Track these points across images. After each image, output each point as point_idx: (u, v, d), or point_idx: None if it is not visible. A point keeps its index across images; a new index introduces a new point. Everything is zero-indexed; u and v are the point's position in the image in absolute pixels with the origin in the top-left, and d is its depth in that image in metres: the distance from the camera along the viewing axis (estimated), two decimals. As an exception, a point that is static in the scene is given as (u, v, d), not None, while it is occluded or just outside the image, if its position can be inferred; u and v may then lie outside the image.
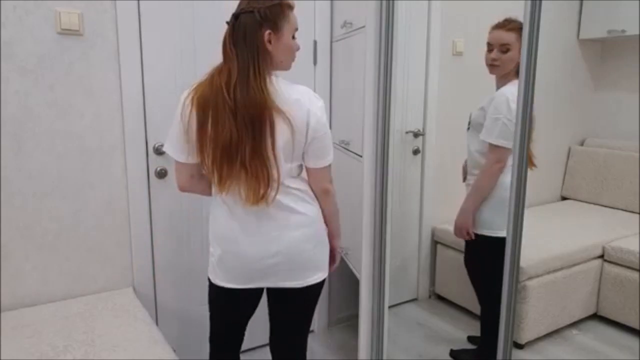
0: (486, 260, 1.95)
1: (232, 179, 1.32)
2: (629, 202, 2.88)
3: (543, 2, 1.28)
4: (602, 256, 2.53)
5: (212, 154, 1.30)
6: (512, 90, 1.76)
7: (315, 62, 2.30)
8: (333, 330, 2.58)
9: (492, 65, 1.91)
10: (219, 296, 1.51)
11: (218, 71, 1.31)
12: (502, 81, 1.92)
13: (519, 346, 2.32)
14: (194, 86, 1.34)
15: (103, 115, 1.84)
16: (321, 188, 1.44)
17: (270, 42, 1.30)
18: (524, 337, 2.31)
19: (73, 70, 1.76)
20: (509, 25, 1.86)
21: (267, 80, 1.30)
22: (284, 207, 1.38)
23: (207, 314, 1.58)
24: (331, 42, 2.32)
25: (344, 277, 2.47)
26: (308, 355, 1.61)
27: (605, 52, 3.14)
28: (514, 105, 1.50)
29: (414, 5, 2.54)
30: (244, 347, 1.64)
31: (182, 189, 1.48)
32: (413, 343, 2.45)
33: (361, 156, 1.87)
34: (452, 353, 2.30)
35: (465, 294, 2.48)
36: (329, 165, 1.43)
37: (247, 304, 1.54)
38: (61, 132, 1.77)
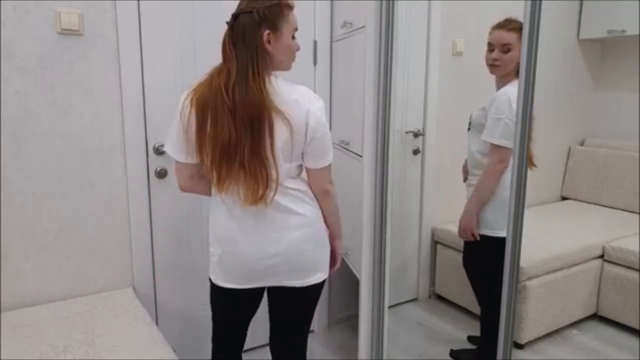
0: (487, 261, 1.95)
1: (231, 179, 1.32)
2: (629, 202, 2.88)
3: (543, 2, 1.28)
4: (602, 256, 2.53)
5: (211, 154, 1.31)
6: (513, 90, 1.75)
7: (315, 62, 2.30)
8: (333, 330, 2.58)
9: (493, 65, 1.91)
10: (219, 296, 1.51)
11: (217, 72, 1.31)
12: (502, 81, 1.92)
13: (519, 346, 2.32)
14: (194, 87, 1.34)
15: (103, 115, 1.84)
16: (321, 189, 1.44)
17: (269, 42, 1.30)
18: (524, 337, 2.31)
19: (73, 70, 1.76)
20: (510, 25, 1.86)
21: (266, 80, 1.30)
22: (283, 208, 1.38)
23: (207, 314, 1.58)
24: (331, 42, 2.32)
25: (344, 277, 2.47)
26: (308, 355, 1.61)
27: (605, 52, 3.14)
28: (515, 106, 1.50)
29: (414, 5, 2.54)
30: (244, 347, 1.64)
31: (183, 189, 1.48)
32: (413, 343, 2.45)
33: (361, 156, 1.87)
34: (452, 353, 2.30)
35: (465, 294, 2.48)
36: (329, 166, 1.43)
37: (248, 304, 1.54)
38: (61, 132, 1.77)
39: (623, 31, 2.73)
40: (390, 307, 1.97)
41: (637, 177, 2.84)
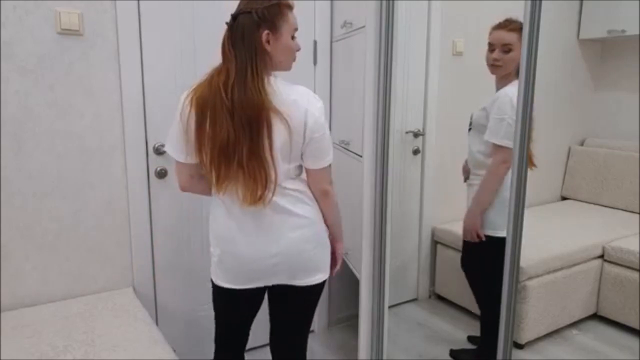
0: (487, 260, 1.95)
1: (229, 180, 1.32)
2: (629, 202, 2.88)
3: (543, 2, 1.28)
4: (602, 256, 2.53)
5: (210, 154, 1.31)
6: (514, 90, 1.74)
7: (315, 62, 2.30)
8: (333, 330, 2.58)
9: (493, 66, 1.91)
10: (220, 296, 1.51)
11: (217, 72, 1.31)
12: (502, 81, 1.92)
13: (519, 346, 2.32)
14: (194, 86, 1.34)
15: (103, 115, 1.84)
16: (320, 189, 1.43)
17: (268, 42, 1.30)
18: (524, 337, 2.31)
19: (73, 70, 1.76)
20: (511, 25, 1.86)
21: (265, 80, 1.29)
22: (281, 209, 1.38)
23: (207, 314, 1.58)
24: (331, 42, 2.32)
25: (344, 277, 2.47)
26: (308, 355, 1.61)
27: (605, 52, 3.14)
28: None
29: (414, 5, 2.54)
30: (246, 347, 1.64)
31: (183, 188, 1.48)
32: (413, 343, 2.45)
33: (361, 156, 1.87)
34: (452, 353, 2.30)
35: (465, 294, 2.48)
36: (329, 167, 1.42)
37: (248, 305, 1.54)
38: (61, 132, 1.77)
39: (623, 31, 2.73)
40: (390, 307, 1.97)
41: (637, 177, 2.84)
